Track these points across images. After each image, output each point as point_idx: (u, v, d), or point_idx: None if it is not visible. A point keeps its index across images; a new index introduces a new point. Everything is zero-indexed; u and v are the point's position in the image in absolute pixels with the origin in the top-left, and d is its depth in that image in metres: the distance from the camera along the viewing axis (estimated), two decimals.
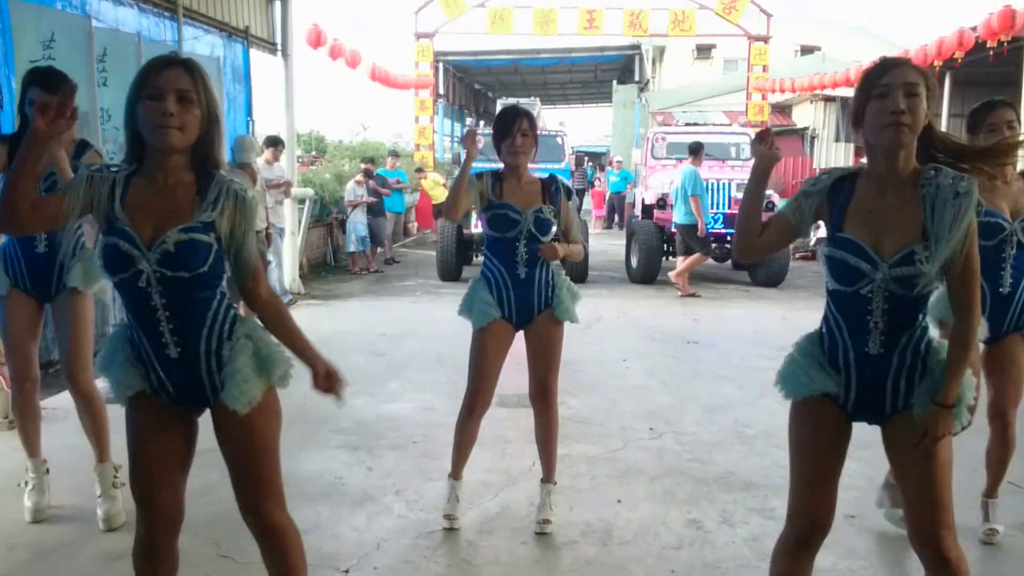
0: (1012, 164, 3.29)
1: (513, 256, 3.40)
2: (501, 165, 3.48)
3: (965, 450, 3.71)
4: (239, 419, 2.16)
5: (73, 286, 3.42)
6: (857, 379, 2.19)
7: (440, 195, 15.04)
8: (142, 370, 2.18)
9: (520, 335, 3.53)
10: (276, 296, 2.33)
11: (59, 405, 5.04)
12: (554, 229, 3.45)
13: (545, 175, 3.56)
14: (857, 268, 2.09)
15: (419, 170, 17.21)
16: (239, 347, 2.15)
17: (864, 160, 2.20)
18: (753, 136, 2.30)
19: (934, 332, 2.35)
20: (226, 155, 7.02)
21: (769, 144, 2.30)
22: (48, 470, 3.61)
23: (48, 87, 3.09)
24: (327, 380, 2.24)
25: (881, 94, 2.05)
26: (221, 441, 2.24)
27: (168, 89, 2.02)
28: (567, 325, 3.56)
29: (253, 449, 2.21)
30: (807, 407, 2.23)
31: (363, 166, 12.68)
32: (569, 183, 4.33)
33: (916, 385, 2.17)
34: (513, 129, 3.36)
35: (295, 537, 2.31)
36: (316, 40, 13.70)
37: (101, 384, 2.27)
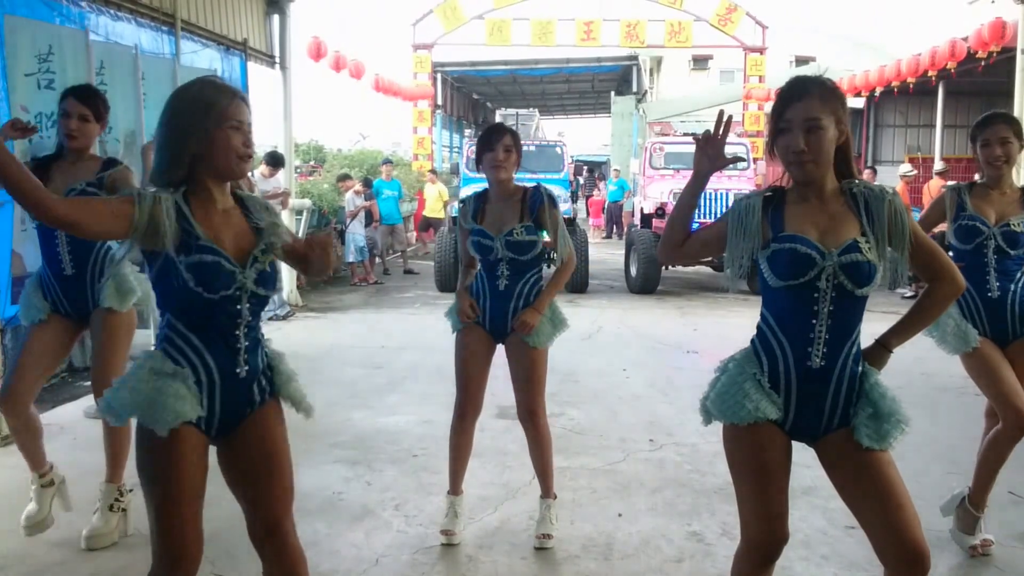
0: (1006, 174, 3.28)
1: (495, 270, 3.43)
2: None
3: (953, 454, 3.71)
4: (271, 431, 2.20)
5: (108, 306, 3.39)
6: (797, 398, 2.15)
7: (436, 210, 14.50)
8: (198, 398, 2.10)
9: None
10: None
11: (55, 420, 5.02)
12: (538, 246, 3.40)
13: (531, 184, 3.53)
14: (808, 255, 2.08)
15: (432, 171, 16.33)
16: (280, 358, 2.28)
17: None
18: (699, 136, 2.24)
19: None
20: None
21: (714, 149, 2.22)
22: (52, 481, 3.50)
23: (81, 97, 3.38)
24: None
25: (784, 129, 2.10)
26: (252, 459, 2.19)
27: (246, 122, 2.13)
28: (565, 335, 3.55)
29: (280, 459, 2.22)
30: (751, 432, 2.15)
31: (339, 184, 12.51)
32: (557, 190, 4.38)
33: (852, 404, 2.15)
34: (495, 143, 3.37)
35: (304, 557, 2.28)
36: (317, 53, 13.75)
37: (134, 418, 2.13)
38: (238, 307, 2.10)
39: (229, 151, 2.08)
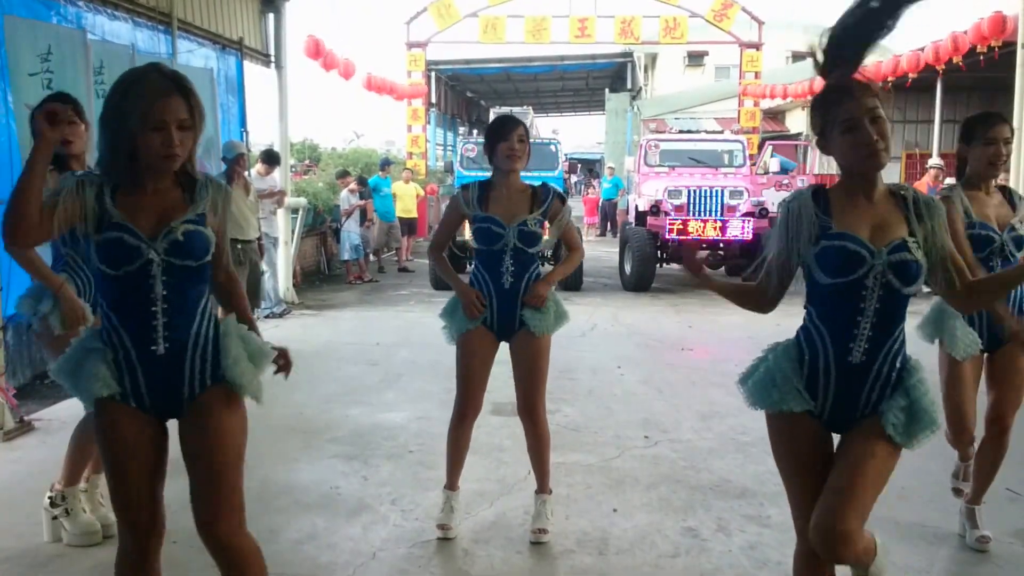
0: (995, 176, 3.29)
1: (499, 267, 3.41)
2: (489, 174, 3.51)
3: (951, 451, 3.73)
4: (212, 424, 2.17)
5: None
6: (835, 392, 2.20)
7: (410, 209, 14.17)
8: (115, 373, 2.15)
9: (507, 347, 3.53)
10: (236, 279, 2.41)
11: (55, 416, 5.05)
12: (543, 240, 3.44)
13: (538, 183, 3.57)
14: (858, 253, 2.11)
15: (406, 168, 15.83)
16: (231, 339, 2.21)
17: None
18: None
19: (929, 352, 2.34)
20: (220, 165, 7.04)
21: None
22: None
23: (78, 109, 3.34)
24: (281, 358, 2.34)
25: (850, 128, 2.10)
26: (191, 449, 2.18)
27: (172, 121, 2.08)
28: (560, 332, 3.57)
29: (223, 456, 2.16)
30: (783, 421, 2.25)
31: (338, 181, 12.60)
32: (562, 190, 4.40)
33: (886, 398, 2.19)
34: (511, 134, 3.38)
35: (255, 556, 2.22)
36: (315, 51, 13.73)
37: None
38: (151, 282, 2.10)
39: (154, 152, 2.08)
